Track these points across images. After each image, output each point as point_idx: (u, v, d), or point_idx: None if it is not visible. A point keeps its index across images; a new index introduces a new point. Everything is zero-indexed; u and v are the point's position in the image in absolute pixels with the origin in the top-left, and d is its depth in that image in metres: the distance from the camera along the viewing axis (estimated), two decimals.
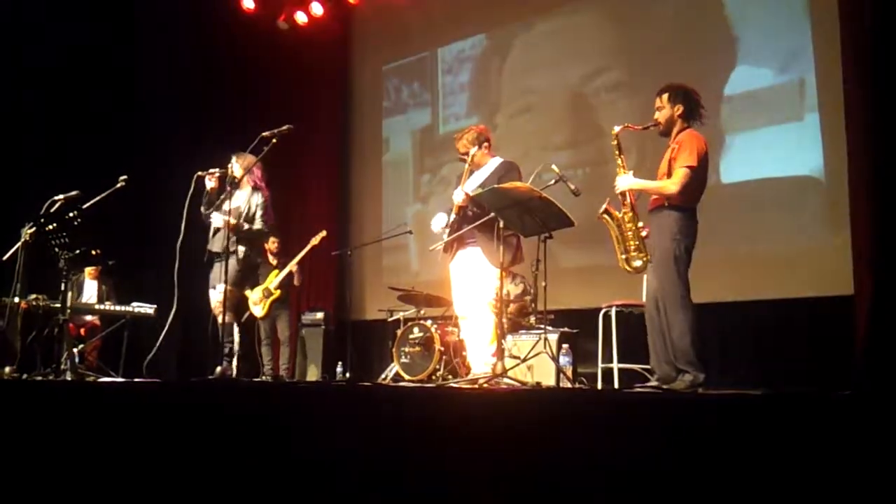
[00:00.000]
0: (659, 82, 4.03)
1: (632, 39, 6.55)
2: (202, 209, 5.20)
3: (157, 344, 4.79)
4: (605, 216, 3.87)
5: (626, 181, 3.85)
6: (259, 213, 5.34)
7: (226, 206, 5.09)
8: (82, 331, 6.69)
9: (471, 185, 4.55)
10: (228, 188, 5.08)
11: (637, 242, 3.80)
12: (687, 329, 3.59)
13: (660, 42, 6.31)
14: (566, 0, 7.03)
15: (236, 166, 5.23)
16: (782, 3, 5.76)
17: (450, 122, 7.76)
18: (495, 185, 4.06)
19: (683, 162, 3.69)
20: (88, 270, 6.90)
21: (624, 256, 3.84)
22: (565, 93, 6.91)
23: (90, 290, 6.95)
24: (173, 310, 4.65)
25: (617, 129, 3.93)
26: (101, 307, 6.42)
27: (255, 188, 5.40)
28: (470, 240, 4.48)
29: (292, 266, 6.40)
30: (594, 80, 6.71)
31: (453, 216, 4.52)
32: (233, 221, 5.14)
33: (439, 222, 4.61)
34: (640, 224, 3.84)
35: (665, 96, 3.89)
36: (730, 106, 5.92)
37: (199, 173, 5.06)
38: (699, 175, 3.74)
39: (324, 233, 6.63)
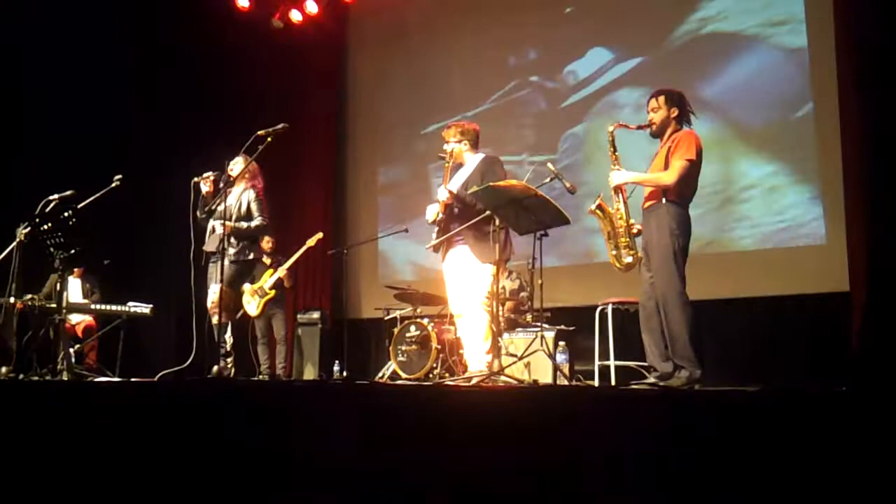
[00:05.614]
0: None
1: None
2: (198, 213, 5.17)
3: (189, 359, 4.76)
4: (598, 211, 3.90)
5: (620, 176, 3.87)
6: (255, 207, 5.26)
7: (221, 208, 5.05)
8: (78, 331, 6.66)
9: (454, 182, 4.52)
10: (223, 188, 5.06)
11: (627, 239, 3.83)
12: (685, 325, 3.60)
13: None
14: None
15: (237, 167, 5.20)
16: None
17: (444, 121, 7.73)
18: (490, 184, 4.05)
19: (682, 155, 3.72)
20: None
21: (614, 252, 3.87)
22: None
23: (74, 289, 6.86)
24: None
25: (611, 127, 3.99)
26: (98, 307, 6.38)
27: (248, 186, 5.35)
28: (458, 238, 4.45)
29: (282, 271, 6.37)
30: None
31: (440, 215, 4.49)
32: (230, 224, 5.06)
33: (432, 213, 4.58)
34: (632, 221, 3.86)
35: (661, 98, 3.93)
36: (727, 103, 5.93)
37: (195, 179, 5.02)
38: (696, 169, 3.77)
39: (320, 234, 6.59)
